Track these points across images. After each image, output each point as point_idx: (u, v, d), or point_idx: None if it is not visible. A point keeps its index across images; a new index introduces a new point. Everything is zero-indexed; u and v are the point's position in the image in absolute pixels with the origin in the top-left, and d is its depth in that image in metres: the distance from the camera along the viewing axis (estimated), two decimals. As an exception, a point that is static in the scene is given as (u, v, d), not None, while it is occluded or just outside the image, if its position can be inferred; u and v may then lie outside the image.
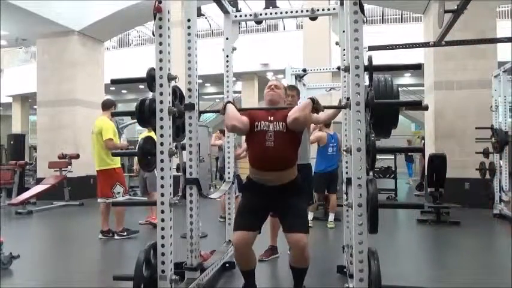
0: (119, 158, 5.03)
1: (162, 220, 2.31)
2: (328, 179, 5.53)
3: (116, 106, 5.08)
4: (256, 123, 2.51)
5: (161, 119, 2.32)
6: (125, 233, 4.77)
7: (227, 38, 3.54)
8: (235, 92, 3.43)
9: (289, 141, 2.49)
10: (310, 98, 2.50)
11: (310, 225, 5.21)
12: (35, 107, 11.69)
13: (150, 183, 5.45)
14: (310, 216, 5.52)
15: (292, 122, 2.41)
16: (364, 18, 2.15)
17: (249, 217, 2.51)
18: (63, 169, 7.67)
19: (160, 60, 2.31)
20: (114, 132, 4.81)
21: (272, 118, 2.52)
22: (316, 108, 2.48)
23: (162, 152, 2.31)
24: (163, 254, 2.29)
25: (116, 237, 4.76)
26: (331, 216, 5.50)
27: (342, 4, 3.10)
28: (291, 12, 3.90)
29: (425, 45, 6.06)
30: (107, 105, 4.97)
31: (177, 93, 2.68)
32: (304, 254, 2.43)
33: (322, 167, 5.48)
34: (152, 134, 5.17)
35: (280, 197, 2.51)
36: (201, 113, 2.96)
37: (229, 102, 2.64)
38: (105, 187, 4.76)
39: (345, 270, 3.03)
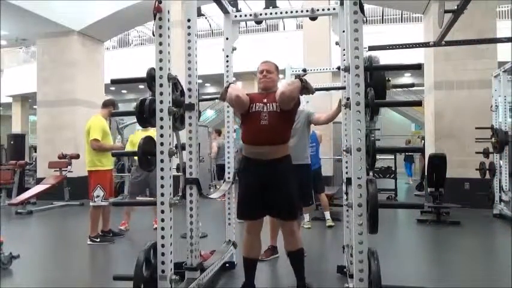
0: (110, 160, 4.79)
1: (162, 220, 2.31)
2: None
3: (116, 106, 4.90)
4: (252, 104, 2.68)
5: (161, 119, 2.32)
6: (98, 239, 4.59)
7: (227, 38, 3.54)
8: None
9: (282, 120, 2.65)
10: (299, 78, 2.64)
11: (309, 226, 5.30)
12: (35, 107, 11.69)
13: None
14: (308, 217, 5.51)
15: (279, 96, 2.58)
16: (364, 18, 2.15)
17: (254, 207, 2.69)
18: (63, 169, 7.67)
19: (160, 60, 2.31)
20: (104, 133, 4.62)
21: (266, 100, 2.68)
22: (306, 88, 2.62)
23: (162, 152, 2.32)
24: (163, 254, 2.29)
25: (89, 242, 4.58)
26: (327, 215, 5.52)
27: (342, 4, 3.10)
28: (291, 12, 3.90)
29: (425, 45, 6.06)
30: (105, 105, 4.84)
31: (177, 86, 2.67)
32: (294, 235, 2.74)
33: None
34: (147, 133, 5.13)
35: (274, 178, 2.64)
36: (200, 101, 2.99)
37: (231, 83, 2.84)
38: (90, 190, 4.62)
39: (345, 270, 3.03)
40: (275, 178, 2.65)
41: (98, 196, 4.58)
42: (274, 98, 2.63)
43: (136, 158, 4.99)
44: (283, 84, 2.65)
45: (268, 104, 2.65)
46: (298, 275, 2.79)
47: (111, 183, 4.94)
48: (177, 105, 2.56)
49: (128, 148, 5.25)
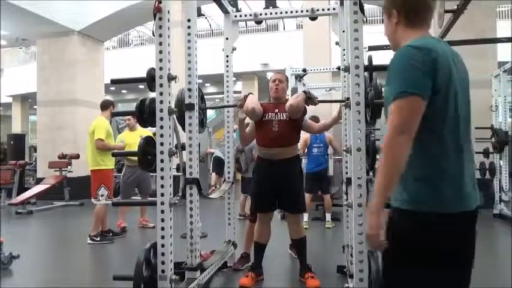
0: (112, 160, 4.86)
1: (162, 220, 2.31)
2: (315, 179, 5.45)
3: (115, 106, 5.01)
4: (265, 114, 3.12)
5: (161, 119, 2.32)
6: (98, 238, 4.63)
7: (227, 38, 3.54)
8: (235, 92, 3.46)
9: (290, 127, 3.10)
10: (303, 91, 3.13)
11: (307, 226, 5.30)
12: (35, 107, 11.69)
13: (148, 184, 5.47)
14: (307, 217, 5.50)
15: (288, 108, 3.01)
16: (364, 18, 2.15)
17: (267, 201, 3.16)
18: (63, 169, 7.67)
19: (160, 60, 2.32)
20: (108, 133, 4.73)
21: (277, 110, 3.11)
22: (310, 98, 3.03)
23: (162, 152, 2.32)
24: (163, 254, 2.29)
25: (89, 241, 4.60)
26: (328, 217, 5.48)
27: (342, 4, 3.10)
28: (291, 12, 3.90)
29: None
30: (105, 106, 4.92)
31: (200, 92, 2.95)
32: (298, 226, 3.22)
33: (309, 168, 5.45)
34: (137, 133, 5.11)
35: (283, 175, 3.06)
36: (206, 109, 3.24)
37: (250, 93, 3.21)
38: (94, 188, 4.67)
39: (345, 270, 3.03)
40: (284, 176, 3.08)
41: (102, 195, 4.63)
42: (284, 109, 3.06)
43: (129, 157, 5.09)
44: (291, 99, 3.11)
45: (279, 114, 3.09)
46: (302, 258, 3.21)
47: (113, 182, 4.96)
48: (200, 110, 2.92)
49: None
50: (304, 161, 5.41)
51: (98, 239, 4.62)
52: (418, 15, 1.37)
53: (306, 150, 5.50)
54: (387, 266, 1.36)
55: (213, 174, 9.04)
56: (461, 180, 1.28)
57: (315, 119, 5.25)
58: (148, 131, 5.21)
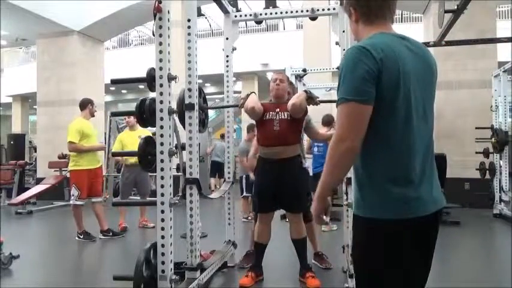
0: (88, 160, 4.79)
1: (162, 220, 2.31)
2: (315, 179, 5.34)
3: (93, 104, 4.95)
4: (266, 113, 3.12)
5: (161, 119, 2.32)
6: (82, 236, 4.73)
7: (227, 38, 3.54)
8: (235, 92, 3.46)
9: (291, 126, 3.08)
10: (304, 91, 3.13)
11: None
12: (35, 107, 11.68)
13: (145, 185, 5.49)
14: None
15: (291, 107, 3.01)
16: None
17: (268, 201, 3.15)
18: (63, 169, 7.66)
19: (160, 60, 2.32)
20: (83, 134, 4.69)
21: (278, 110, 3.11)
22: (311, 98, 3.05)
23: (162, 152, 2.32)
24: (163, 254, 2.29)
25: (76, 238, 4.76)
26: (326, 219, 5.15)
27: (342, 4, 3.10)
28: (291, 12, 3.90)
29: (425, 45, 6.00)
30: (83, 105, 4.92)
31: (201, 92, 3.00)
32: (298, 226, 3.16)
33: (312, 168, 5.36)
34: (136, 133, 5.12)
35: (284, 174, 3.05)
36: (207, 108, 3.27)
37: (253, 92, 3.23)
38: (70, 189, 4.79)
39: (344, 270, 3.03)
40: (285, 175, 3.06)
41: (73, 195, 4.70)
42: (286, 108, 3.05)
43: (127, 158, 5.13)
44: (292, 98, 3.07)
45: (280, 113, 3.08)
46: (302, 257, 3.19)
47: (92, 183, 4.84)
48: (202, 110, 2.96)
49: (117, 148, 5.31)
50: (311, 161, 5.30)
51: (82, 236, 4.73)
52: (371, 10, 1.35)
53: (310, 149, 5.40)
54: (355, 265, 1.42)
55: (212, 180, 9.09)
56: (414, 184, 1.25)
57: (328, 117, 5.21)
58: (147, 131, 5.21)
